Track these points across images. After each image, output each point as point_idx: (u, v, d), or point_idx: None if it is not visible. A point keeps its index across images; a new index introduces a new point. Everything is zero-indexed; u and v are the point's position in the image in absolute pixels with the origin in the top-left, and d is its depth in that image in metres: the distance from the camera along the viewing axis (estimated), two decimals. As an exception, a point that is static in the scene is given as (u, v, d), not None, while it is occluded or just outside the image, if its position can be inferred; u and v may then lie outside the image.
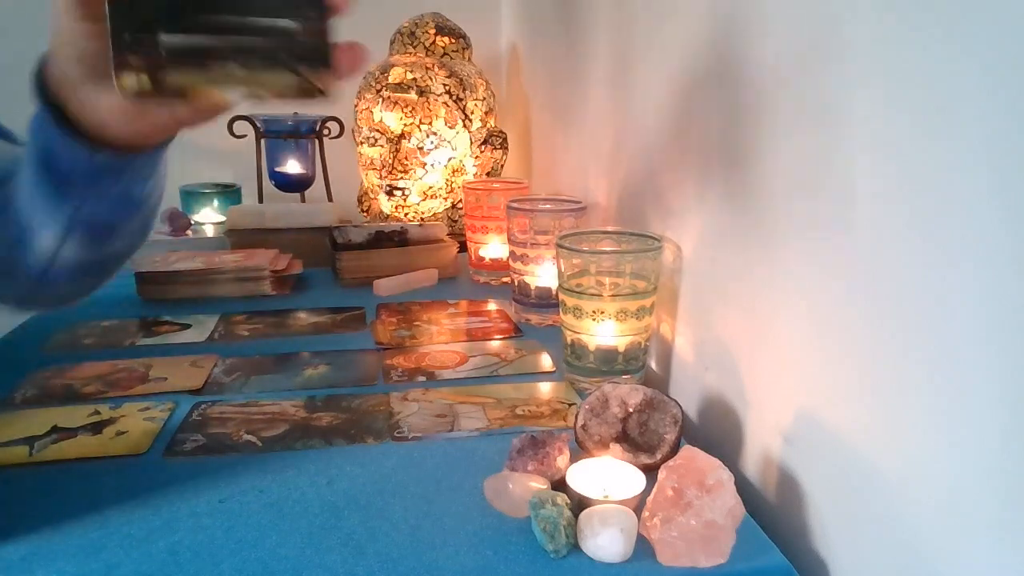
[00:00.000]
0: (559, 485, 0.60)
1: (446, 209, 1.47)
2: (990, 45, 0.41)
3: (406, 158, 1.39)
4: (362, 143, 1.42)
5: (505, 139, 1.47)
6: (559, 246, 0.82)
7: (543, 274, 1.02)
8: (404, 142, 1.38)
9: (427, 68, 1.38)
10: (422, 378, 0.85)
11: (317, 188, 1.64)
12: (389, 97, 1.37)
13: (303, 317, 1.07)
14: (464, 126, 1.40)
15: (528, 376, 0.86)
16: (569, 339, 0.83)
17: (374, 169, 1.41)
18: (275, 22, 0.37)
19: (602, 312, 0.79)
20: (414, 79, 1.36)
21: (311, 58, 0.38)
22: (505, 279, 1.17)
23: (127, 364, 0.88)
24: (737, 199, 0.71)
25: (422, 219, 1.44)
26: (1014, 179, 0.40)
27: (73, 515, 0.58)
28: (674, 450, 0.63)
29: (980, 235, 0.42)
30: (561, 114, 1.34)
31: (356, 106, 1.43)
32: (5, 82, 0.98)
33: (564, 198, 1.13)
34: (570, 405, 0.78)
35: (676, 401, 0.66)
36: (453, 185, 1.43)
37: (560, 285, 0.83)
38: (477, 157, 1.44)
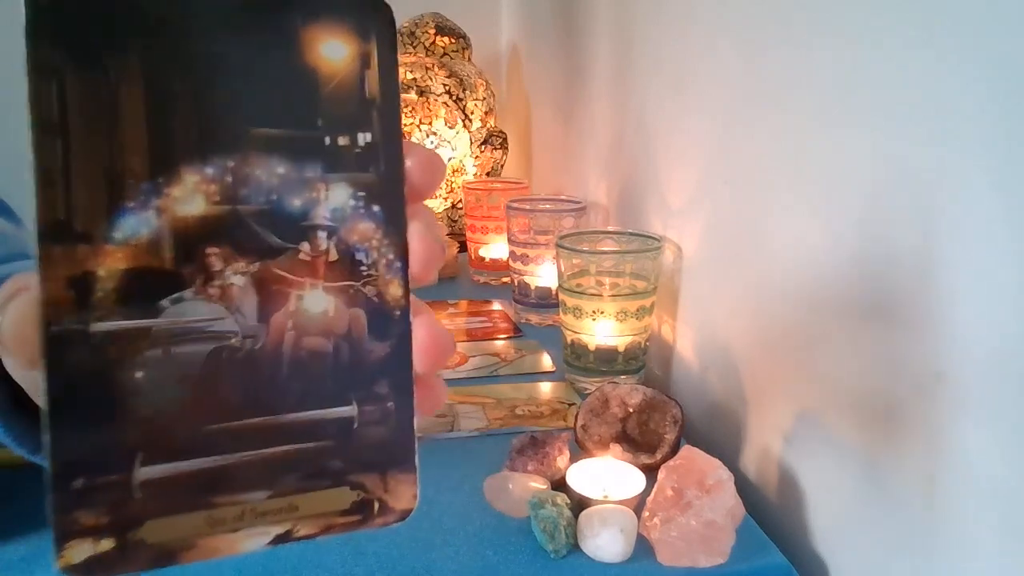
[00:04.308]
0: (559, 485, 0.60)
1: (446, 209, 1.47)
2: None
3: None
4: (362, 143, 1.42)
5: (505, 139, 1.47)
6: (559, 246, 0.82)
7: (543, 274, 1.02)
8: (404, 142, 1.38)
9: (427, 68, 1.38)
10: (422, 378, 0.85)
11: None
12: (389, 97, 1.37)
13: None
14: (464, 126, 1.40)
15: (528, 376, 0.86)
16: (569, 339, 0.82)
17: (374, 169, 1.41)
18: (326, 414, 0.23)
19: (602, 312, 0.79)
20: (414, 79, 1.36)
21: (382, 460, 0.24)
22: (505, 279, 1.17)
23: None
24: (738, 199, 0.71)
25: (422, 219, 1.44)
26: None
27: (73, 515, 0.58)
28: (674, 450, 0.63)
29: (978, 231, 0.42)
30: (561, 114, 1.34)
31: (356, 106, 1.43)
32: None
33: (564, 198, 1.13)
34: (570, 405, 0.78)
35: (676, 401, 0.66)
36: (453, 185, 1.43)
37: (560, 285, 0.83)
38: (477, 157, 1.44)
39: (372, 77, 0.24)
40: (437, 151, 1.38)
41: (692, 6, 0.79)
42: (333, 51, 0.23)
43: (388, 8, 0.24)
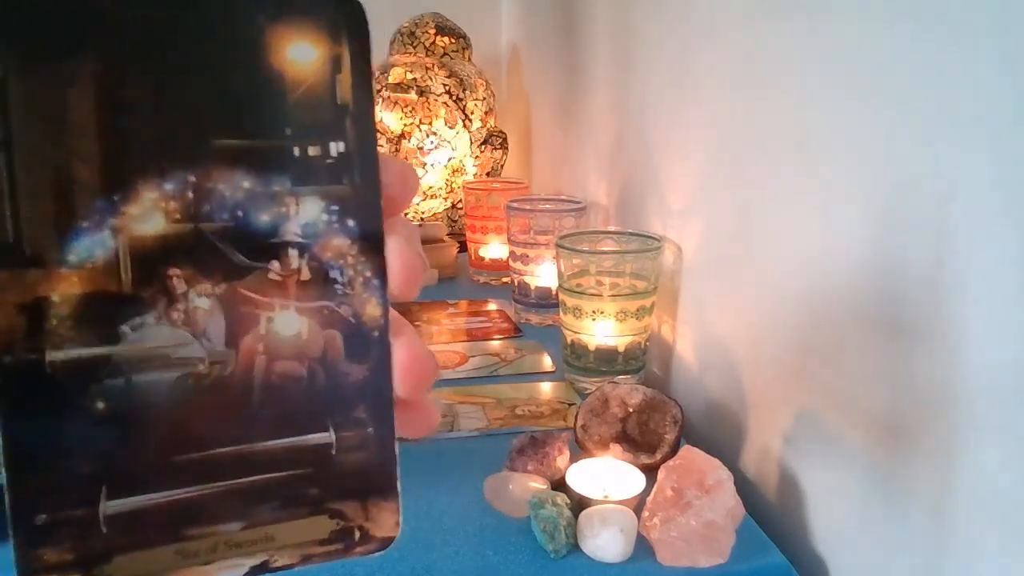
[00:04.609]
0: (559, 485, 0.60)
1: (446, 209, 1.47)
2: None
3: (406, 158, 1.39)
4: (362, 143, 1.42)
5: (505, 139, 1.47)
6: (559, 246, 0.82)
7: (543, 274, 1.02)
8: (404, 142, 1.38)
9: (427, 68, 1.38)
10: (422, 378, 0.85)
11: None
12: (389, 97, 1.37)
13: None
14: (464, 126, 1.40)
15: (528, 376, 0.86)
16: (569, 339, 0.83)
17: (374, 169, 1.41)
18: (301, 441, 0.22)
19: (602, 312, 0.79)
20: (414, 79, 1.36)
21: (362, 488, 0.23)
22: (505, 279, 1.17)
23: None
24: (738, 199, 0.71)
25: (422, 219, 1.44)
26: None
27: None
28: (674, 450, 0.63)
29: (979, 230, 0.42)
30: (561, 114, 1.34)
31: (356, 106, 1.43)
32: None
33: (564, 198, 1.13)
34: (570, 405, 0.78)
35: (676, 401, 0.66)
36: (453, 185, 1.43)
37: (560, 285, 0.83)
38: (477, 157, 1.44)
39: (344, 81, 0.22)
40: (437, 150, 1.38)
41: (692, 6, 0.79)
42: (301, 54, 0.21)
43: (360, 6, 0.22)
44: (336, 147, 0.22)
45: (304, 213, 0.22)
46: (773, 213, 0.64)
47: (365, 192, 0.22)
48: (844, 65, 0.54)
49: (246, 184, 0.21)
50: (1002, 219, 0.41)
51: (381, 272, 0.23)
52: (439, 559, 0.53)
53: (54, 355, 0.20)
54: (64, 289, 0.20)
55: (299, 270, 0.22)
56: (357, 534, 0.23)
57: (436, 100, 1.36)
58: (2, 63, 0.19)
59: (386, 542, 0.23)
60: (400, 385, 0.23)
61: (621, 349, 0.80)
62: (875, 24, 0.50)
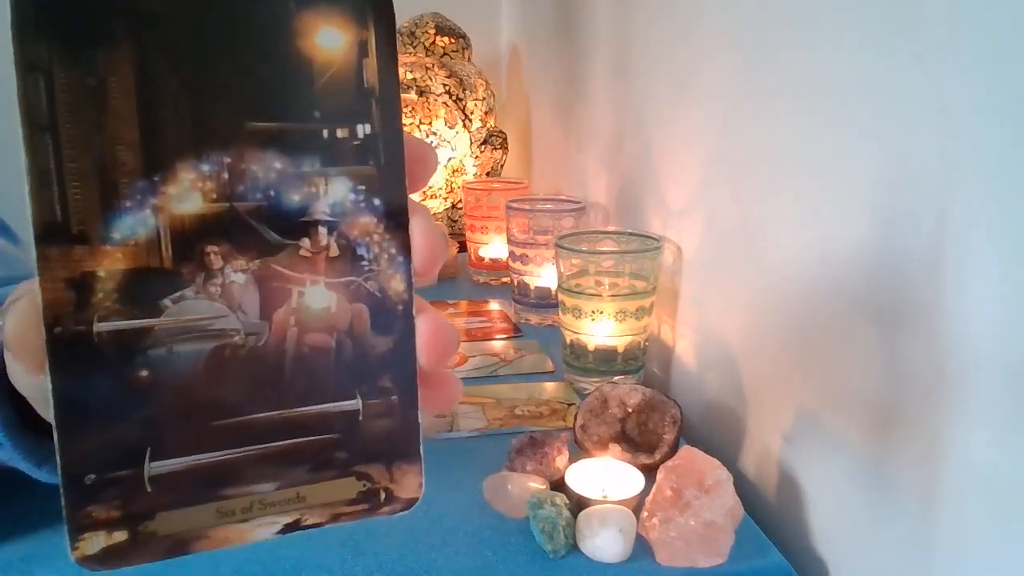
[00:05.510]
0: (558, 485, 0.60)
1: (446, 209, 1.47)
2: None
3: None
4: (362, 143, 1.42)
5: (505, 139, 1.47)
6: (558, 246, 0.82)
7: (543, 274, 1.02)
8: (404, 142, 1.38)
9: (427, 68, 1.38)
10: (422, 378, 0.85)
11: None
12: (389, 97, 1.37)
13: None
14: (464, 126, 1.40)
15: (527, 376, 0.86)
16: (568, 339, 0.83)
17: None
18: (331, 408, 0.24)
19: (601, 312, 0.79)
20: (414, 79, 1.36)
21: (387, 452, 0.24)
22: (505, 279, 1.17)
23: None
24: (738, 199, 0.71)
25: (422, 219, 1.44)
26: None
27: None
28: (673, 450, 0.63)
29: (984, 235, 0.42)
30: (561, 114, 1.34)
31: (356, 106, 1.42)
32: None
33: (564, 198, 1.13)
34: (569, 405, 0.78)
35: (675, 401, 0.66)
36: (453, 185, 1.43)
37: (559, 285, 0.83)
38: (477, 157, 1.44)
39: (371, 66, 0.23)
40: (437, 150, 1.38)
41: (693, 6, 0.79)
42: (329, 39, 0.22)
43: None
44: (363, 129, 0.23)
45: (332, 193, 0.23)
46: (772, 213, 0.64)
47: (390, 172, 0.23)
48: (843, 65, 0.54)
49: (277, 165, 0.22)
50: (996, 213, 0.41)
51: (406, 249, 0.24)
52: (438, 559, 0.53)
53: (100, 326, 0.21)
54: (109, 265, 0.21)
55: (328, 247, 0.23)
56: (383, 495, 0.24)
57: (436, 100, 1.36)
58: (47, 55, 0.20)
59: (410, 503, 0.25)
60: (424, 356, 0.24)
61: (620, 349, 0.80)
62: (876, 26, 0.50)
